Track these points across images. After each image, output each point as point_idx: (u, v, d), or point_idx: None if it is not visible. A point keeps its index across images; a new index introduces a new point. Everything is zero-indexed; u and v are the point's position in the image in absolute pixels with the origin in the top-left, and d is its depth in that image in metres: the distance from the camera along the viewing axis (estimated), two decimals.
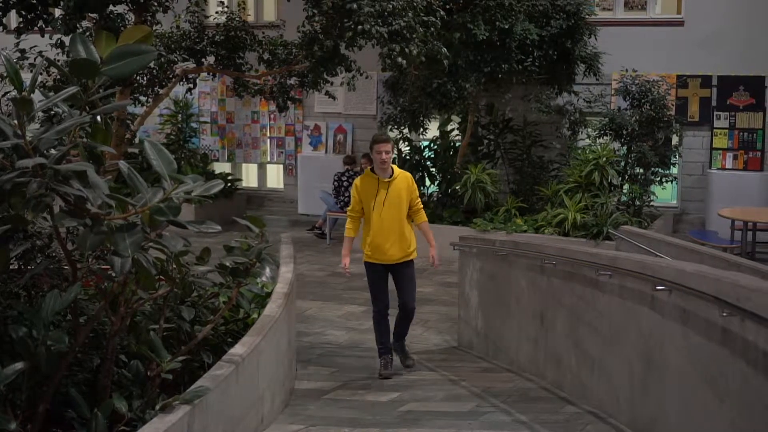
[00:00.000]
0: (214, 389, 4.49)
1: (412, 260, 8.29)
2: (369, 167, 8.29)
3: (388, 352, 8.41)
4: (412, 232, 8.30)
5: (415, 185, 8.33)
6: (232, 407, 4.90)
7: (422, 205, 8.43)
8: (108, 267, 4.00)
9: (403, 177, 8.23)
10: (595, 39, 15.06)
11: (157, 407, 4.11)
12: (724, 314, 4.38)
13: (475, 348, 9.51)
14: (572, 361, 7.05)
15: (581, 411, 6.58)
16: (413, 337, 10.15)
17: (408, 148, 16.87)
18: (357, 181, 8.30)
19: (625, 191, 14.47)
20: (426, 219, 8.43)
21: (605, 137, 14.41)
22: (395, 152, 16.73)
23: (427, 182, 16.84)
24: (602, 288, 6.42)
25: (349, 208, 8.37)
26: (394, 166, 8.27)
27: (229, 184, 18.10)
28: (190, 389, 4.31)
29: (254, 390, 5.50)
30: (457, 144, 16.67)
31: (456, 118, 16.89)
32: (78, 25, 8.08)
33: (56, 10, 8.05)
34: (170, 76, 9.84)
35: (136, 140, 12.21)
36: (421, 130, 16.42)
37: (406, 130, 16.66)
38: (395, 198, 8.09)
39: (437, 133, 17.05)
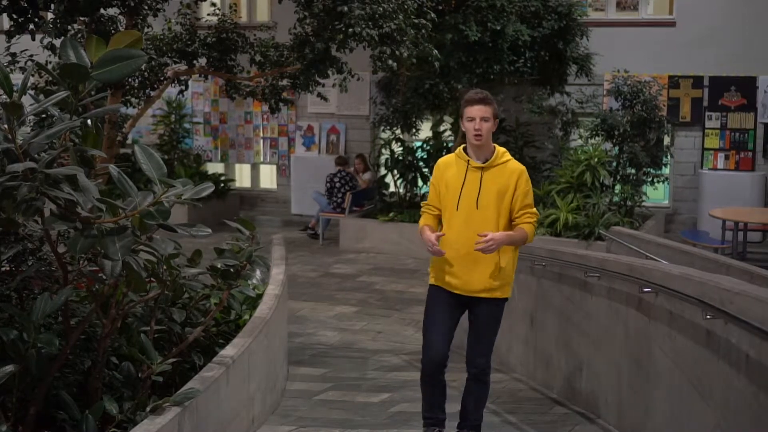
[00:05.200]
0: (205, 391, 4.53)
1: (500, 299, 5.42)
2: (462, 145, 5.49)
3: (437, 425, 5.49)
4: (512, 256, 5.42)
5: (530, 185, 5.42)
6: (222, 409, 4.93)
7: (534, 217, 5.42)
8: (99, 269, 4.03)
9: (510, 168, 5.35)
10: (587, 40, 15.11)
11: (148, 409, 4.15)
12: (708, 317, 4.43)
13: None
14: (561, 362, 7.10)
15: (570, 412, 6.63)
16: (405, 338, 10.19)
17: (401, 148, 16.90)
18: (440, 161, 5.57)
19: (616, 192, 14.52)
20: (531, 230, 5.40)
21: (597, 138, 14.46)
22: (393, 149, 16.79)
23: (420, 183, 16.88)
24: (591, 289, 6.46)
25: (424, 202, 5.61)
26: (500, 148, 5.42)
27: (222, 185, 18.12)
28: (181, 391, 4.34)
29: (245, 391, 5.53)
30: (450, 144, 16.69)
31: (448, 119, 16.92)
32: (70, 28, 8.10)
33: (48, 13, 8.07)
34: (162, 78, 9.86)
35: (129, 142, 12.23)
36: (414, 130, 16.45)
37: (398, 131, 16.71)
38: (490, 194, 5.29)
39: (430, 134, 17.08)
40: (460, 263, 5.32)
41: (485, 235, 5.13)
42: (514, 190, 5.31)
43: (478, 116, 5.23)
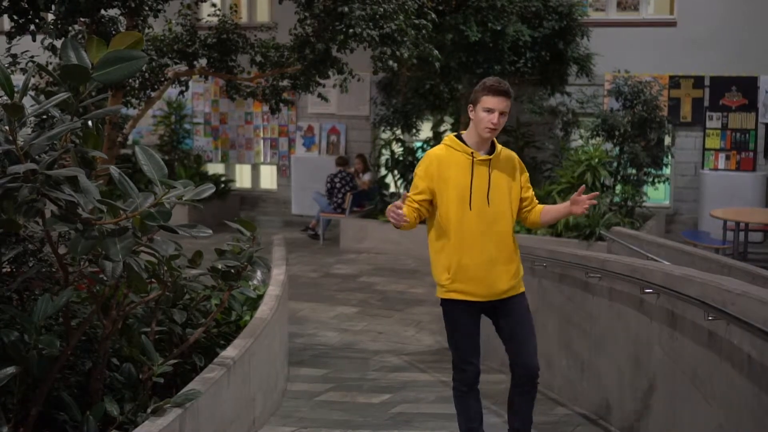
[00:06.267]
0: (206, 392, 4.52)
1: (523, 293, 5.07)
2: (454, 134, 5.04)
3: None
4: (517, 244, 5.11)
5: (525, 169, 5.17)
6: (223, 410, 4.93)
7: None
8: (99, 270, 4.02)
9: (508, 156, 5.03)
10: (588, 40, 15.11)
11: (149, 410, 4.14)
12: (710, 318, 4.42)
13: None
14: (563, 363, 7.09)
15: (571, 413, 6.62)
16: (405, 339, 10.19)
17: (401, 149, 16.91)
18: (431, 154, 4.99)
19: (617, 192, 14.52)
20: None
21: (598, 138, 14.45)
22: (394, 149, 16.78)
23: None
24: (592, 290, 6.46)
25: (408, 193, 4.94)
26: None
27: (222, 185, 18.13)
28: (182, 392, 4.34)
29: (246, 392, 5.52)
30: None
31: (449, 119, 16.93)
32: (70, 29, 8.09)
33: (48, 14, 8.06)
34: (162, 79, 9.86)
35: (129, 142, 12.21)
36: (414, 131, 16.46)
37: (399, 131, 16.72)
38: (500, 188, 4.93)
39: (430, 134, 17.08)
40: (480, 267, 4.88)
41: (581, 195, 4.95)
42: (519, 178, 5.01)
43: (498, 109, 4.76)
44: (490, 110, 4.75)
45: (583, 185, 5.12)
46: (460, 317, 4.98)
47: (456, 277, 4.90)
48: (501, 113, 4.76)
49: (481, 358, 5.07)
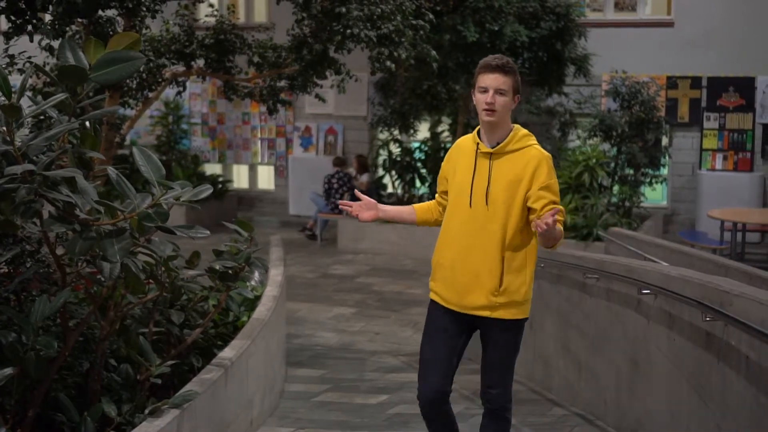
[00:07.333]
0: (204, 393, 4.52)
1: (511, 321, 4.29)
2: (477, 130, 4.39)
3: None
4: (526, 265, 4.30)
5: (553, 176, 4.34)
6: (221, 411, 4.93)
7: (562, 216, 4.18)
8: (97, 271, 4.02)
9: (528, 155, 4.28)
10: (585, 40, 15.11)
11: (147, 411, 4.14)
12: (708, 318, 4.42)
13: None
14: (560, 363, 7.09)
15: (569, 413, 6.62)
16: (403, 339, 10.19)
17: (399, 149, 16.92)
18: (459, 141, 4.52)
19: (615, 192, 14.53)
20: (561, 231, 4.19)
21: (595, 138, 14.47)
22: (391, 149, 16.73)
23: (418, 183, 16.92)
24: (589, 291, 6.46)
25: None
26: (521, 130, 4.36)
27: (219, 186, 18.13)
28: (180, 393, 4.34)
29: (243, 393, 5.52)
30: (448, 145, 16.71)
31: (446, 120, 16.94)
32: (68, 29, 8.08)
33: (46, 15, 8.04)
34: (159, 79, 9.84)
35: (127, 143, 12.18)
36: (412, 131, 16.47)
37: (396, 132, 16.72)
38: (500, 186, 4.24)
39: (428, 135, 17.09)
40: (453, 269, 4.29)
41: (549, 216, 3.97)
42: (530, 182, 4.22)
43: (492, 87, 4.14)
44: (484, 89, 4.18)
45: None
46: (433, 327, 4.41)
47: (434, 275, 4.44)
48: (497, 91, 4.15)
49: (446, 383, 4.34)
